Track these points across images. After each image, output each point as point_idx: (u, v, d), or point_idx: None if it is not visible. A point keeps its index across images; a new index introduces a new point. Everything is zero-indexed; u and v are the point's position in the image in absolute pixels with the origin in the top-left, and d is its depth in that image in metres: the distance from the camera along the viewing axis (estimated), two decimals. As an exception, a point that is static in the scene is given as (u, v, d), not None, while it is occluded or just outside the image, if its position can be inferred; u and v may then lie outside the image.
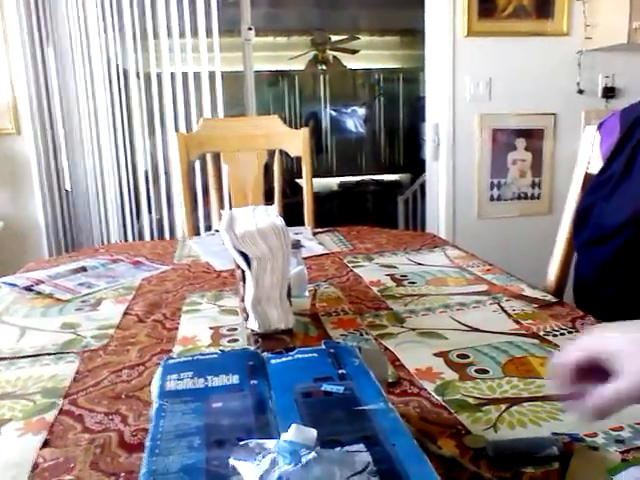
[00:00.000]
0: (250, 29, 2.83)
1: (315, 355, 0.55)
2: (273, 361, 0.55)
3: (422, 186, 3.18)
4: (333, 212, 5.10)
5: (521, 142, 2.71)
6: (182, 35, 2.69)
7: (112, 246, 1.56)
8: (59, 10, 2.55)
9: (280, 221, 0.79)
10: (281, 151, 1.85)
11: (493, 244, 2.71)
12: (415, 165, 5.29)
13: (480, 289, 1.02)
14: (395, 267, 1.19)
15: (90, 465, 0.53)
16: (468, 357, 0.74)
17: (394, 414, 0.45)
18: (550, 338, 0.80)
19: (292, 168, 4.54)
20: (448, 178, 2.69)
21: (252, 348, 0.78)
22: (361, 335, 0.83)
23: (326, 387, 0.49)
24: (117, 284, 1.12)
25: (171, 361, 0.55)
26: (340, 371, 0.52)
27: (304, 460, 0.35)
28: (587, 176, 1.09)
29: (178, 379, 0.50)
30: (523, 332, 0.82)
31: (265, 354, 0.57)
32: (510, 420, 0.59)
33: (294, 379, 0.51)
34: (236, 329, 0.87)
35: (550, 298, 0.96)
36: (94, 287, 1.10)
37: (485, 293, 1.00)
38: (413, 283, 1.08)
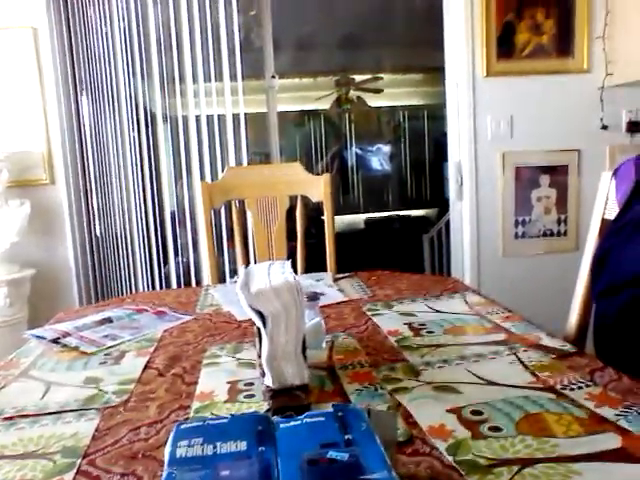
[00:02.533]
0: (273, 77, 2.92)
1: (323, 419, 0.56)
2: (282, 425, 0.56)
3: (447, 224, 3.18)
4: (359, 249, 5.12)
5: (545, 179, 2.70)
6: (207, 79, 2.79)
7: (138, 295, 1.61)
8: (92, 57, 2.68)
9: (293, 278, 0.81)
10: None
11: (519, 282, 2.68)
12: (441, 200, 5.30)
13: (498, 338, 1.02)
14: (414, 315, 1.19)
15: (104, 529, 0.55)
16: (482, 414, 0.74)
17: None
18: (567, 392, 0.79)
19: (318, 205, 4.60)
20: (472, 217, 2.69)
21: (266, 404, 0.80)
22: (375, 390, 0.84)
23: (331, 454, 0.50)
24: (140, 336, 1.15)
25: (183, 426, 0.56)
26: (347, 436, 0.53)
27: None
28: (604, 221, 1.09)
29: (188, 445, 0.52)
30: (539, 386, 0.81)
31: (275, 418, 0.58)
32: (521, 484, 0.59)
33: (301, 445, 0.52)
34: (253, 384, 0.88)
35: (569, 348, 0.95)
36: (118, 339, 1.13)
37: (503, 343, 0.99)
38: (431, 332, 1.08)
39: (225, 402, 0.82)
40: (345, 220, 6.16)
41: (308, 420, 0.56)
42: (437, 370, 0.89)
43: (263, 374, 0.83)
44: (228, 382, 0.89)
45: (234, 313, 1.26)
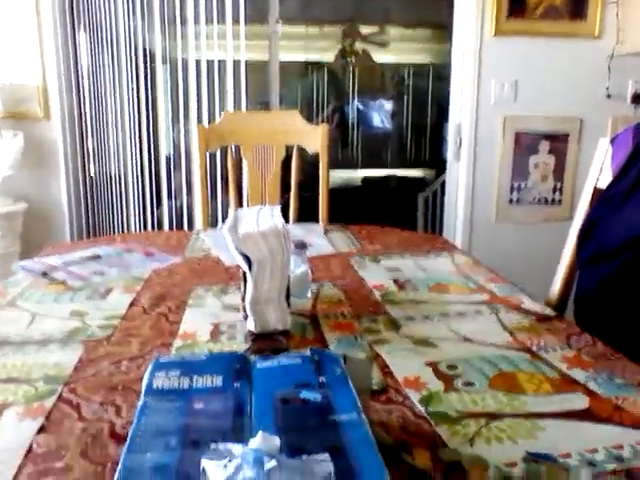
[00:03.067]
0: (278, 22, 2.84)
1: (299, 361, 0.58)
2: (259, 365, 0.57)
3: (443, 185, 3.17)
4: (354, 206, 5.11)
5: (545, 145, 2.68)
6: (209, 22, 2.72)
7: (129, 235, 1.61)
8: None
9: (282, 224, 0.81)
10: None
11: (510, 248, 2.70)
12: (439, 161, 5.26)
13: (481, 299, 1.03)
14: (400, 270, 1.20)
15: (80, 453, 0.56)
16: (457, 368, 0.76)
17: (365, 427, 0.47)
18: (542, 354, 0.80)
19: (317, 159, 4.56)
20: (468, 179, 2.68)
21: (247, 346, 0.81)
22: (355, 340, 0.85)
23: (304, 394, 0.51)
24: (128, 274, 1.15)
25: (162, 359, 0.57)
26: (320, 379, 0.54)
27: (266, 468, 0.37)
28: (596, 190, 1.09)
29: (165, 377, 0.53)
30: (516, 346, 0.83)
31: (253, 357, 0.59)
32: (487, 435, 0.61)
33: (276, 384, 0.53)
34: (235, 326, 0.89)
35: (549, 312, 0.97)
36: (106, 275, 1.14)
37: (485, 303, 1.00)
38: (415, 289, 1.09)
39: (207, 342, 0.84)
40: (342, 176, 6.12)
41: (284, 361, 0.58)
42: (418, 325, 0.91)
43: (246, 317, 0.84)
44: (212, 323, 0.91)
45: (223, 258, 1.27)
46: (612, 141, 1.08)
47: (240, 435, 0.45)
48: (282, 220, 0.83)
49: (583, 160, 2.70)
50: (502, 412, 0.65)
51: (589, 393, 0.69)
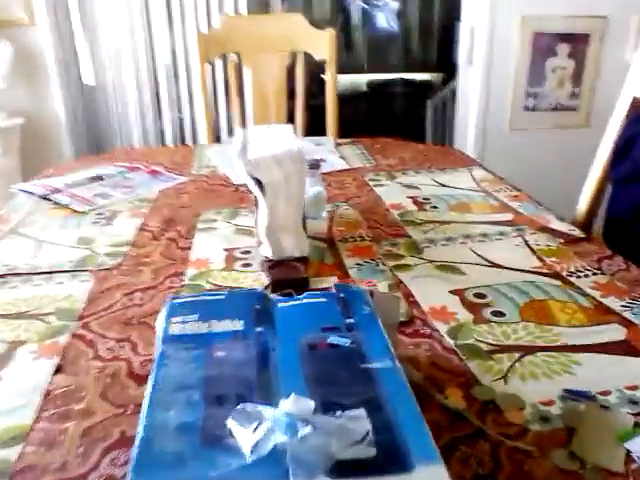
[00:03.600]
0: None
1: (324, 300, 0.54)
2: (281, 305, 0.53)
3: (453, 91, 3.02)
4: (360, 112, 4.93)
5: (563, 48, 2.52)
6: None
7: (131, 152, 1.53)
8: None
9: (297, 146, 0.75)
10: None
11: (524, 157, 2.61)
12: (449, 65, 5.01)
13: (505, 218, 0.98)
14: (418, 188, 1.15)
15: (100, 395, 0.54)
16: (485, 297, 0.72)
17: (400, 375, 0.44)
18: (573, 280, 0.77)
19: (319, 63, 4.34)
20: (482, 84, 2.54)
21: (264, 275, 0.77)
22: (377, 266, 0.81)
23: (332, 339, 0.48)
24: (134, 196, 1.10)
25: (177, 301, 0.53)
26: (348, 320, 0.50)
27: (300, 434, 0.34)
28: (635, 102, 1.00)
29: (183, 322, 0.49)
30: (545, 271, 0.79)
31: (273, 296, 0.55)
32: (522, 371, 0.58)
33: (300, 327, 0.50)
34: (250, 252, 0.85)
35: (578, 233, 0.92)
36: (110, 198, 1.09)
37: (510, 224, 0.96)
38: (435, 208, 1.04)
39: (221, 270, 0.80)
40: (346, 80, 5.86)
41: (308, 300, 0.54)
42: (440, 248, 0.87)
43: (260, 243, 0.80)
44: (225, 249, 0.87)
45: (230, 176, 1.21)
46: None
47: (267, 389, 0.42)
48: (297, 142, 0.77)
49: (605, 63, 2.55)
50: (535, 345, 0.62)
51: (626, 324, 0.66)
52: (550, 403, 0.53)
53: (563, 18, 2.48)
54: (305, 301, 0.54)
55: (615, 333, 0.65)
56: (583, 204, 1.09)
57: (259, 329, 0.49)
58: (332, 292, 0.55)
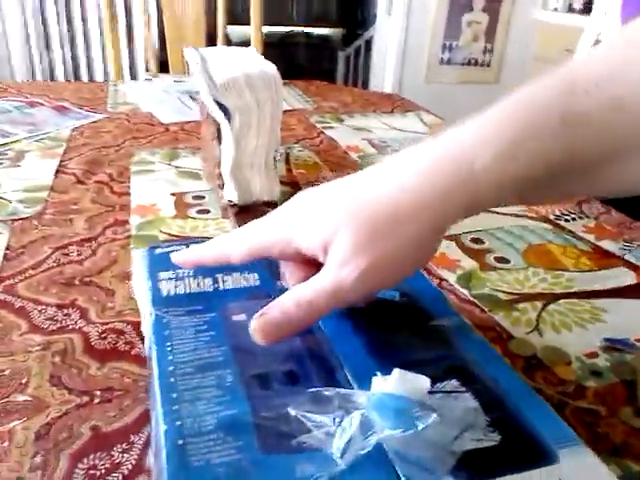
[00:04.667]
0: None
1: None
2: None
3: (367, 43, 2.94)
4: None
5: (479, 2, 2.51)
6: None
7: (24, 85, 1.29)
8: None
9: (272, 68, 0.62)
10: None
11: (438, 111, 2.59)
12: (350, 19, 4.90)
13: (471, 162, 0.92)
14: (370, 131, 1.05)
15: (50, 380, 0.40)
16: (483, 242, 0.65)
17: (475, 333, 0.35)
18: (562, 223, 0.72)
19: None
20: (400, 35, 2.48)
21: (228, 222, 0.65)
22: (355, 211, 0.71)
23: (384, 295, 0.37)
24: (41, 134, 0.91)
25: (159, 251, 0.40)
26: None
27: (420, 425, 0.24)
28: (597, 44, 0.97)
29: (176, 278, 0.37)
30: (533, 215, 0.73)
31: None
32: (552, 321, 0.51)
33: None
34: (204, 197, 0.72)
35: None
36: (11, 136, 0.89)
37: (478, 167, 0.90)
38: (396, 150, 0.95)
39: (174, 218, 0.66)
40: (240, 32, 5.58)
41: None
42: (416, 193, 0.78)
43: (222, 186, 0.67)
44: (172, 194, 0.72)
45: (158, 115, 1.04)
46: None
47: (321, 361, 0.31)
48: (269, 64, 0.64)
49: (516, 21, 2.58)
50: (554, 292, 0.56)
51: (633, 267, 0.62)
52: (594, 355, 0.47)
53: (479, -30, 2.47)
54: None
55: (625, 277, 0.60)
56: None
57: (282, 283, 0.37)
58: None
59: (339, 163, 0.87)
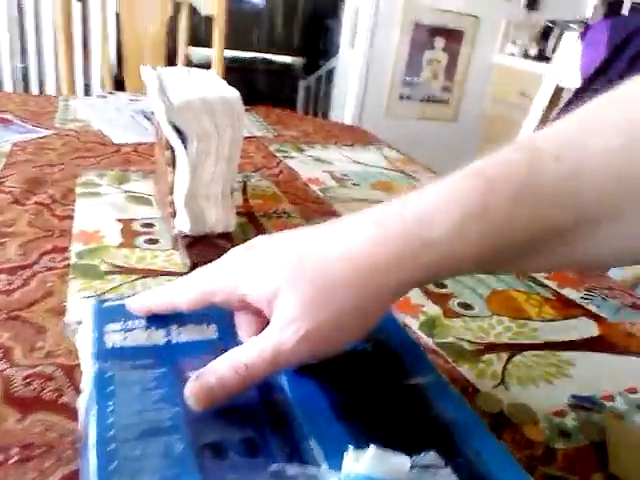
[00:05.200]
0: None
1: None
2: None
3: (328, 73, 2.96)
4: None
5: (440, 41, 2.57)
6: None
7: (-34, 94, 1.22)
8: None
9: (234, 93, 0.59)
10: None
11: (398, 145, 2.62)
12: (312, 49, 4.95)
13: (432, 201, 0.91)
14: (331, 163, 1.03)
15: (-40, 434, 0.35)
16: (446, 286, 0.63)
17: (455, 394, 0.32)
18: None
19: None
20: (361, 68, 2.50)
21: (179, 254, 0.60)
22: (315, 247, 0.68)
23: (344, 344, 0.34)
24: (-22, 146, 0.84)
25: (108, 304, 0.35)
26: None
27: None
28: (557, 89, 0.98)
29: (125, 330, 0.32)
30: (495, 258, 0.72)
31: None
32: (517, 375, 0.49)
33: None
34: (154, 225, 0.67)
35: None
36: (-56, 147, 0.82)
37: (439, 206, 0.88)
38: (357, 185, 0.93)
39: (119, 247, 0.61)
40: (202, 54, 5.56)
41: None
42: (377, 230, 0.76)
43: (174, 214, 0.62)
44: (118, 220, 0.67)
45: (109, 134, 0.99)
46: (582, 37, 0.97)
47: (284, 428, 0.27)
48: (230, 88, 0.61)
49: (474, 60, 2.65)
50: (519, 343, 0.54)
51: (594, 317, 0.61)
52: (562, 413, 0.45)
53: (441, 12, 2.53)
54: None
55: (588, 328, 0.59)
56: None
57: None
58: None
59: (299, 195, 0.84)
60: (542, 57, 2.66)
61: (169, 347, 0.32)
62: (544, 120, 0.97)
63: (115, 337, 0.32)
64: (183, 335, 0.33)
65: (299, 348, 0.28)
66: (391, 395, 0.31)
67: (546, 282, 0.68)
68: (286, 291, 0.28)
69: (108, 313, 0.34)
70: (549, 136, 0.31)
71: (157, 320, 0.34)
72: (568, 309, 0.62)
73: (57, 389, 0.38)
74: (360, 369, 0.32)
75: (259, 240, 0.33)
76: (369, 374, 0.32)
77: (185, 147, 0.57)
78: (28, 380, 0.39)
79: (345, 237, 0.30)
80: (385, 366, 0.32)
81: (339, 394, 0.31)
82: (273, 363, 0.28)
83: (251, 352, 0.29)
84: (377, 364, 0.33)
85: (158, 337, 0.32)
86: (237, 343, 0.32)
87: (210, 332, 0.33)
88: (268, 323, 0.30)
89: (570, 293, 0.66)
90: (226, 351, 0.31)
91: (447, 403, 0.30)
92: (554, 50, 2.66)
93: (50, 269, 0.54)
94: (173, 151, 0.59)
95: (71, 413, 0.36)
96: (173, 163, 0.60)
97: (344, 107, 2.60)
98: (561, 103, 0.99)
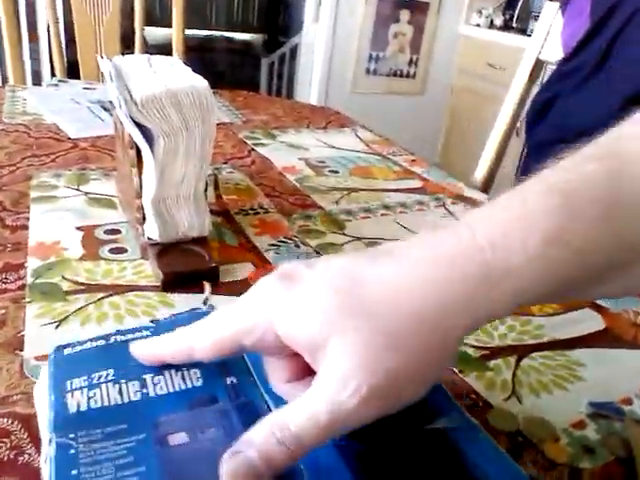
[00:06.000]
0: None
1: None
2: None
3: (292, 50, 2.88)
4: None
5: (405, 14, 2.51)
6: None
7: None
8: None
9: (202, 82, 0.53)
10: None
11: (365, 121, 2.57)
12: (272, 25, 4.82)
13: (415, 185, 0.86)
14: (306, 149, 0.98)
15: None
16: (441, 283, 0.59)
17: (486, 439, 0.27)
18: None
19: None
20: (327, 43, 2.43)
21: (148, 265, 0.55)
22: (297, 247, 0.63)
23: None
24: None
25: (68, 352, 0.30)
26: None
27: None
28: (538, 63, 0.94)
29: (90, 386, 0.27)
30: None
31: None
32: (528, 382, 0.46)
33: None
34: (119, 231, 0.61)
35: (496, 202, 0.83)
36: None
37: (423, 191, 0.84)
38: (335, 172, 0.88)
39: (81, 259, 0.55)
40: (158, 34, 5.34)
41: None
42: (362, 222, 0.71)
43: (142, 220, 0.56)
44: (78, 228, 0.61)
45: (65, 128, 0.91)
46: (563, 7, 0.93)
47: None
48: (198, 77, 0.54)
49: (441, 33, 2.60)
50: (526, 344, 0.50)
51: (596, 308, 0.58)
52: (582, 425, 0.42)
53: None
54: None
55: (593, 321, 0.56)
56: (483, 169, 1.02)
57: (231, 379, 0.28)
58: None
59: (274, 187, 0.79)
60: (508, 27, 2.63)
61: (145, 403, 0.26)
62: (525, 95, 0.93)
63: (79, 397, 0.26)
64: (161, 385, 0.27)
65: (361, 410, 0.23)
66: (411, 442, 0.27)
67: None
68: (338, 338, 0.23)
69: (70, 364, 0.28)
70: (630, 137, 0.26)
71: (128, 369, 0.28)
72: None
73: (15, 447, 0.33)
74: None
75: (296, 269, 0.26)
76: (387, 418, 0.27)
77: (151, 146, 0.51)
78: (-18, 436, 0.33)
79: (404, 272, 0.25)
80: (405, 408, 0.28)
81: (354, 442, 0.26)
82: (330, 429, 0.23)
83: (300, 416, 0.23)
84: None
85: (131, 391, 0.27)
86: (229, 389, 0.27)
87: (193, 379, 0.28)
88: (308, 370, 0.25)
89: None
90: (214, 401, 0.26)
91: (476, 452, 0.26)
92: (518, 19, 2.63)
93: (2, 291, 0.48)
94: (138, 150, 0.53)
95: (34, 476, 0.30)
96: (139, 164, 0.54)
97: (310, 84, 2.53)
98: (543, 77, 0.96)
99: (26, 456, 0.32)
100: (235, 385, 0.28)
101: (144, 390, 0.27)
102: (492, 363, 0.47)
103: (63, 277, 0.51)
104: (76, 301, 0.48)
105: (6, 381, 0.38)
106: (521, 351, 0.49)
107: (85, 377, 0.27)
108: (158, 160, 0.52)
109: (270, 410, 0.27)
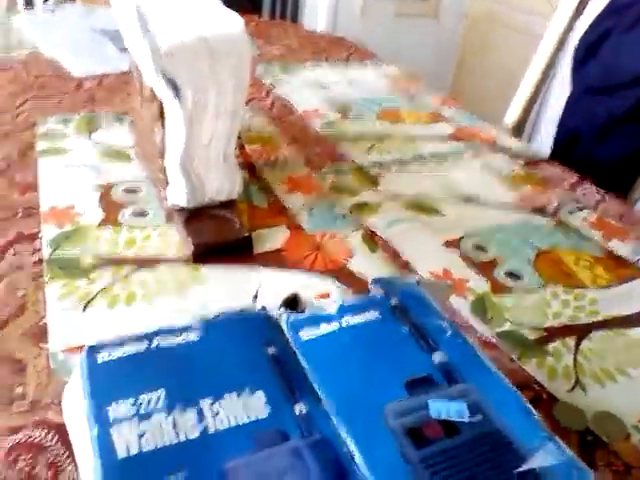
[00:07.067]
0: None
1: (376, 315, 0.31)
2: (305, 335, 0.29)
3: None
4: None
5: None
6: None
7: None
8: None
9: (237, 25, 0.46)
10: None
11: (376, 47, 2.43)
12: None
13: (447, 131, 0.80)
14: (327, 87, 0.91)
15: None
16: (486, 250, 0.55)
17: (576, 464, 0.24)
18: (563, 217, 0.62)
19: None
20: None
21: (176, 233, 0.50)
22: (332, 207, 0.58)
23: (440, 410, 0.26)
24: None
25: (103, 356, 0.26)
26: (437, 358, 0.29)
27: None
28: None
29: (138, 415, 0.23)
30: (529, 207, 0.64)
31: (284, 315, 0.30)
32: (591, 369, 0.42)
33: (367, 385, 0.27)
34: (138, 191, 0.56)
35: (534, 153, 0.78)
36: None
37: (456, 138, 0.78)
38: (360, 116, 0.82)
39: (100, 226, 0.50)
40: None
41: (353, 321, 0.30)
42: (395, 175, 0.66)
43: (165, 183, 0.51)
44: (96, 186, 0.56)
45: (65, 63, 0.84)
46: None
47: None
48: (236, 18, 0.48)
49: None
50: (582, 323, 0.47)
51: (652, 278, 0.54)
52: (652, 420, 0.39)
53: None
54: (348, 322, 0.30)
55: (648, 293, 0.52)
56: (515, 112, 0.95)
57: (300, 409, 0.25)
58: (378, 297, 0.32)
59: (298, 135, 0.73)
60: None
61: (206, 442, 0.22)
62: (568, 30, 0.85)
63: (127, 434, 0.22)
64: (222, 418, 0.23)
65: None
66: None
67: (590, 234, 0.60)
68: None
69: (108, 375, 0.24)
70: None
71: (181, 388, 0.24)
72: (621, 268, 0.55)
73: (52, 463, 0.30)
74: (460, 445, 0.24)
75: None
76: (472, 452, 0.24)
77: (178, 100, 0.46)
78: (10, 458, 0.30)
79: None
80: (490, 441, 0.25)
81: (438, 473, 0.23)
82: None
83: None
84: (480, 439, 0.25)
85: (188, 425, 0.23)
86: (298, 420, 0.24)
87: (257, 407, 0.24)
88: None
89: (619, 247, 0.58)
90: (287, 437, 0.22)
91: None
92: None
93: (18, 268, 0.44)
94: (161, 104, 0.47)
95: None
96: (162, 119, 0.48)
97: (316, 8, 2.37)
98: (586, 10, 0.87)
99: (67, 477, 0.29)
100: (305, 416, 0.24)
101: (203, 424, 0.23)
102: (550, 347, 0.44)
103: (83, 249, 0.47)
104: (100, 278, 0.44)
105: (34, 380, 0.34)
106: (578, 332, 0.46)
107: (132, 401, 0.23)
108: (186, 116, 0.46)
109: (349, 450, 0.23)
